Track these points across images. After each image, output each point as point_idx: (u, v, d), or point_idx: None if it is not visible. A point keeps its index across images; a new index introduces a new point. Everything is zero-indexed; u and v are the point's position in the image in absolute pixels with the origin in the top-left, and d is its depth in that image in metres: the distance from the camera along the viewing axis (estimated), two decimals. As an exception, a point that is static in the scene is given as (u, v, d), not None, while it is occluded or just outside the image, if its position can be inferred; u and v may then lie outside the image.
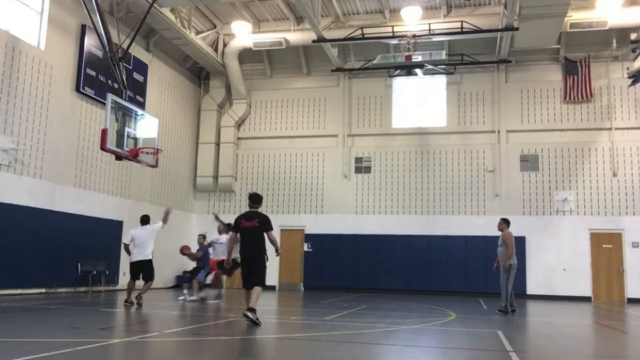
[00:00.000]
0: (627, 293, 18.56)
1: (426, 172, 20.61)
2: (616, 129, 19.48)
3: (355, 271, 20.28)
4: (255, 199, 9.07)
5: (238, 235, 9.01)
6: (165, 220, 12.60)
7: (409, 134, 21.01)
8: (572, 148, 19.74)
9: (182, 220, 20.55)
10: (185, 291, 13.94)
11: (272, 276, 21.09)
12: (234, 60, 21.17)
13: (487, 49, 20.11)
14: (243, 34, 20.26)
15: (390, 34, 18.70)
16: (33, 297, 13.58)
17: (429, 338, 8.12)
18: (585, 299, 18.55)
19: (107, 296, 14.81)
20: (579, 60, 19.70)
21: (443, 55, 18.34)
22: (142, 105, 17.79)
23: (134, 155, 13.65)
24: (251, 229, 8.75)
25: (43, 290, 14.68)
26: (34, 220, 14.24)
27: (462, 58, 20.10)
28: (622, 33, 18.86)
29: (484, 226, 18.99)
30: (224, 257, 13.22)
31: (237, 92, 22.02)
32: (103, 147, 12.87)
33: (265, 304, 14.24)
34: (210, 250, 14.02)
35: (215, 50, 21.13)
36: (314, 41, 18.96)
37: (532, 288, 18.92)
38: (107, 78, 16.69)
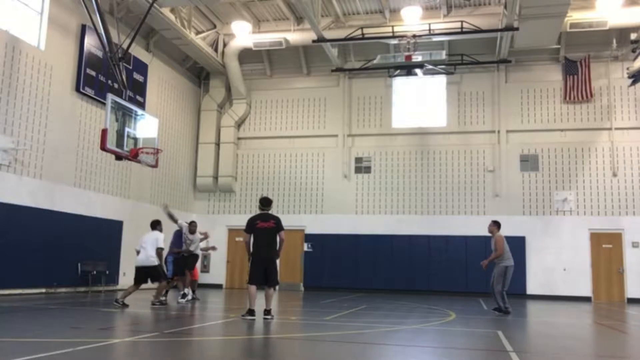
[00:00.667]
0: (627, 293, 18.56)
1: (426, 172, 20.61)
2: (616, 129, 19.48)
3: (355, 271, 20.28)
4: (266, 202, 9.70)
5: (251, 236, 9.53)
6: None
7: (409, 134, 21.01)
8: (572, 148, 19.74)
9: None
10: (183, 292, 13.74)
11: (272, 276, 21.11)
12: (234, 60, 21.17)
13: (487, 49, 20.12)
14: (243, 34, 20.26)
15: (390, 34, 18.71)
16: (33, 297, 13.58)
17: (429, 338, 8.12)
18: (585, 299, 18.55)
19: (107, 296, 14.80)
20: (579, 60, 19.70)
21: (443, 55, 18.35)
22: (142, 105, 17.79)
23: (134, 155, 13.66)
24: (268, 229, 9.34)
25: (43, 290, 14.68)
26: (34, 220, 14.24)
27: (462, 58, 20.11)
28: (622, 33, 18.86)
29: (484, 226, 18.78)
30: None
31: (237, 92, 22.02)
32: (103, 147, 12.88)
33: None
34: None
35: (215, 50, 21.14)
36: (314, 41, 18.96)
37: (532, 288, 18.93)
38: (107, 78, 16.69)
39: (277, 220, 9.50)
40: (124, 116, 13.59)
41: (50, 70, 15.16)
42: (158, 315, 10.44)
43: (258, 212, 9.88)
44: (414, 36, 18.28)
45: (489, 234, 12.37)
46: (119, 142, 13.33)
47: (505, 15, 17.34)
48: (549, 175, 19.76)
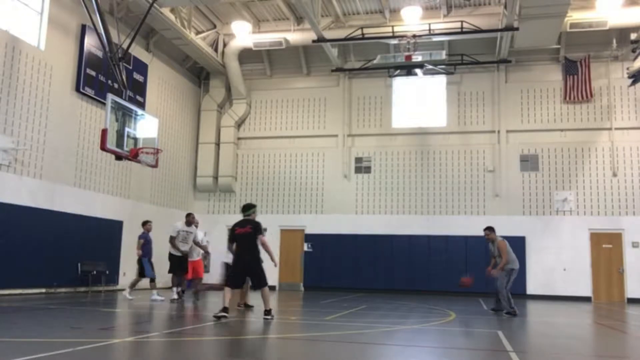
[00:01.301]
0: (627, 293, 18.56)
1: (426, 172, 20.61)
2: (616, 129, 19.48)
3: (355, 271, 20.27)
4: (245, 208, 9.90)
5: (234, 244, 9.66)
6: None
7: (409, 134, 21.01)
8: (572, 148, 19.74)
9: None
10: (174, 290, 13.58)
11: (272, 276, 21.06)
12: (234, 60, 21.17)
13: (487, 49, 20.12)
14: (243, 34, 20.26)
15: (390, 34, 18.71)
16: (33, 297, 13.57)
17: (429, 338, 8.12)
18: (585, 299, 18.55)
19: (107, 296, 14.81)
20: (579, 60, 19.69)
21: (443, 55, 18.35)
22: (142, 105, 17.79)
23: (134, 155, 13.66)
24: (245, 234, 9.43)
25: (43, 290, 14.68)
26: (34, 220, 14.24)
27: (462, 58, 20.11)
28: (622, 33, 18.86)
29: (484, 226, 18.94)
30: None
31: (237, 92, 22.02)
32: (103, 147, 12.88)
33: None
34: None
35: (215, 50, 21.13)
36: (314, 41, 18.96)
37: (532, 288, 18.92)
38: (107, 78, 16.69)
39: (254, 225, 9.55)
40: (124, 116, 13.59)
41: (50, 70, 15.16)
42: (158, 315, 10.44)
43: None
44: (414, 36, 18.28)
45: (488, 240, 12.21)
46: (119, 142, 13.33)
47: (505, 15, 17.34)
48: (549, 175, 19.76)
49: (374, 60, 19.11)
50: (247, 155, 22.32)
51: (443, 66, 19.51)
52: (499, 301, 11.83)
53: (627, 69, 18.03)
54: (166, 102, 20.43)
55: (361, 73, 21.50)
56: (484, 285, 18.35)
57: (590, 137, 19.66)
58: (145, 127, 14.44)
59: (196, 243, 13.79)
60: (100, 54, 16.12)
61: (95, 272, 15.88)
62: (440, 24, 18.69)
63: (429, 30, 18.32)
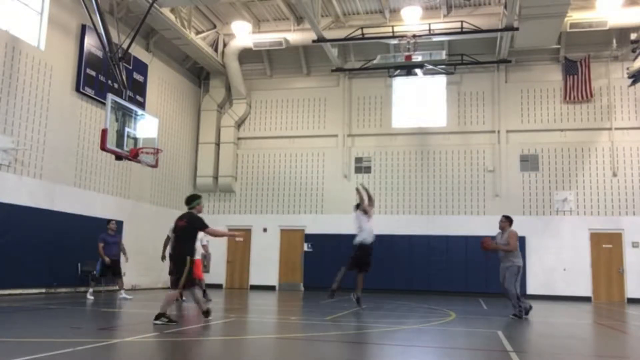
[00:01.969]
0: (627, 293, 18.56)
1: (426, 172, 20.61)
2: (616, 129, 19.48)
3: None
4: (187, 200, 9.08)
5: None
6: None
7: (409, 134, 21.01)
8: (572, 148, 19.74)
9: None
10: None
11: (272, 276, 21.13)
12: (234, 60, 21.17)
13: (487, 49, 20.12)
14: (243, 34, 20.26)
15: (390, 34, 18.71)
16: (33, 297, 13.58)
17: (429, 338, 8.12)
18: (585, 299, 18.54)
19: (107, 296, 14.81)
20: (579, 60, 19.69)
21: (443, 55, 18.36)
22: (142, 105, 17.79)
23: (134, 155, 13.65)
24: (180, 228, 8.70)
25: (43, 290, 14.68)
26: (34, 220, 14.24)
27: (462, 58, 20.11)
28: (622, 33, 18.86)
29: (484, 226, 18.97)
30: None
31: (237, 92, 22.02)
32: (103, 147, 12.87)
33: (266, 304, 14.26)
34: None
35: (215, 50, 21.13)
36: (314, 41, 18.96)
37: (532, 288, 18.91)
38: (107, 78, 16.69)
39: (189, 219, 8.71)
40: (124, 116, 13.59)
41: (50, 70, 15.16)
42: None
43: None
44: (414, 36, 18.28)
45: (500, 230, 11.37)
46: (119, 142, 13.32)
47: (505, 15, 17.34)
48: (549, 175, 19.76)
49: (374, 60, 19.12)
50: (247, 155, 22.32)
51: (443, 66, 19.50)
52: (516, 303, 10.99)
53: (627, 69, 18.04)
54: (166, 102, 20.43)
55: (361, 73, 21.50)
56: (483, 286, 18.44)
57: (590, 137, 19.66)
58: (145, 127, 14.44)
59: (203, 245, 13.51)
60: (100, 54, 16.12)
61: (95, 272, 15.86)
62: (440, 24, 18.69)
63: (429, 30, 18.32)
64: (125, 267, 17.75)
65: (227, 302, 14.68)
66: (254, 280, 21.28)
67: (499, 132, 20.32)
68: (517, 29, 17.10)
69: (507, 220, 11.44)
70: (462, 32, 18.27)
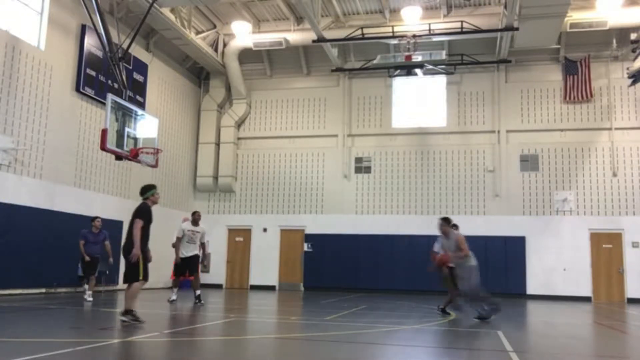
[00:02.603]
0: (627, 293, 18.56)
1: (426, 172, 20.61)
2: (616, 129, 19.48)
3: (355, 271, 20.27)
4: (140, 191, 8.72)
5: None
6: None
7: (409, 134, 21.01)
8: (572, 148, 19.74)
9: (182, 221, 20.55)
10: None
11: (272, 276, 21.13)
12: (234, 60, 21.17)
13: (487, 49, 20.12)
14: (243, 34, 20.27)
15: (390, 34, 18.71)
16: (33, 297, 13.58)
17: (429, 338, 8.12)
18: (585, 299, 18.54)
19: (107, 296, 14.81)
20: (579, 60, 19.69)
21: (443, 55, 18.36)
22: (142, 105, 17.79)
23: (134, 155, 13.65)
24: (131, 219, 8.29)
25: (43, 290, 14.68)
26: (34, 220, 14.24)
27: (462, 58, 20.11)
28: (622, 33, 18.86)
29: (484, 226, 19.01)
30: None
31: (237, 92, 22.02)
32: (103, 147, 12.87)
33: (266, 304, 14.26)
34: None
35: (215, 50, 21.14)
36: (314, 41, 18.96)
37: (532, 288, 18.92)
38: (107, 78, 16.69)
39: (136, 209, 8.36)
40: (124, 116, 13.58)
41: (50, 70, 15.16)
42: (158, 315, 10.44)
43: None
44: (414, 36, 18.28)
45: (442, 234, 10.77)
46: (119, 142, 13.32)
47: (505, 15, 17.34)
48: (549, 175, 19.76)
49: (374, 60, 19.12)
50: (247, 155, 22.32)
51: (443, 66, 19.50)
52: (483, 306, 10.45)
53: (627, 69, 18.04)
54: (166, 102, 20.43)
55: (361, 73, 21.50)
56: (483, 285, 18.39)
57: (590, 137, 19.66)
58: (145, 127, 14.43)
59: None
60: (100, 54, 16.12)
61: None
62: (440, 24, 18.69)
63: (429, 30, 18.32)
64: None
65: (227, 302, 14.68)
66: (254, 280, 21.28)
67: (499, 132, 20.32)
68: (517, 29, 17.10)
69: (447, 224, 10.74)
70: (462, 32, 18.27)
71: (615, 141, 19.40)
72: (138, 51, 18.00)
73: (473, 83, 20.82)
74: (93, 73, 16.48)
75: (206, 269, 21.62)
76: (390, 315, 11.19)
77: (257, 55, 21.78)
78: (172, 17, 17.76)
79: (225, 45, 21.24)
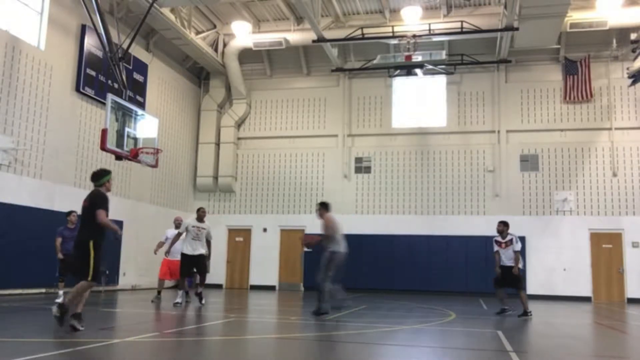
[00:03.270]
0: (627, 293, 18.56)
1: (426, 172, 20.61)
2: (616, 129, 19.48)
3: (355, 271, 20.22)
4: (93, 176, 7.68)
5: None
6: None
7: (409, 134, 21.01)
8: (572, 148, 19.74)
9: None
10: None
11: (272, 276, 21.13)
12: (234, 60, 21.17)
13: (487, 49, 20.12)
14: (243, 34, 20.27)
15: (390, 34, 18.71)
16: (33, 297, 13.57)
17: (429, 338, 8.12)
18: (585, 299, 18.54)
19: (107, 296, 14.81)
20: (579, 60, 19.69)
21: (443, 55, 18.35)
22: (142, 105, 17.79)
23: (134, 155, 13.66)
24: (83, 208, 7.46)
25: (43, 290, 14.67)
26: (34, 220, 14.23)
27: (462, 58, 20.11)
28: (622, 33, 18.86)
29: (484, 226, 18.97)
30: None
31: (237, 92, 22.02)
32: (103, 147, 12.88)
33: (266, 304, 14.26)
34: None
35: (215, 50, 21.14)
36: (314, 41, 18.96)
37: (532, 288, 18.90)
38: (107, 78, 16.69)
39: (93, 198, 7.41)
40: (124, 116, 13.59)
41: (50, 70, 15.16)
42: (158, 315, 10.44)
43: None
44: (414, 36, 18.28)
45: (320, 218, 10.60)
46: (119, 142, 13.33)
47: (505, 15, 17.34)
48: (549, 175, 19.76)
49: (374, 60, 19.12)
50: (247, 155, 22.31)
51: (443, 66, 19.50)
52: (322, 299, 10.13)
53: (627, 69, 18.04)
54: (166, 102, 20.43)
55: (361, 73, 21.50)
56: (483, 286, 18.41)
57: (590, 137, 19.66)
58: (145, 127, 14.44)
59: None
60: (100, 54, 16.12)
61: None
62: (440, 24, 18.69)
63: (429, 30, 18.32)
64: (126, 267, 17.78)
65: (227, 302, 14.68)
66: (253, 280, 21.28)
67: (499, 132, 20.32)
68: (517, 29, 17.09)
69: (322, 208, 10.84)
70: (462, 32, 18.27)
71: (615, 141, 19.40)
72: (138, 51, 18.00)
73: (473, 83, 20.82)
74: (93, 73, 16.48)
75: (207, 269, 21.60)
76: (390, 315, 11.19)
77: (257, 55, 21.77)
78: (172, 17, 17.76)
79: (225, 45, 21.24)
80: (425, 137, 20.84)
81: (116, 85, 15.09)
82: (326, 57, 20.50)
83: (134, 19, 16.51)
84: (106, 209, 7.38)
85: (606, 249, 18.96)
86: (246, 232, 21.69)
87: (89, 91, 16.32)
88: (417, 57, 18.02)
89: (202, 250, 11.98)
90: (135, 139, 13.96)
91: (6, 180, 13.64)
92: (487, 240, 18.23)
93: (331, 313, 10.20)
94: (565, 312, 13.66)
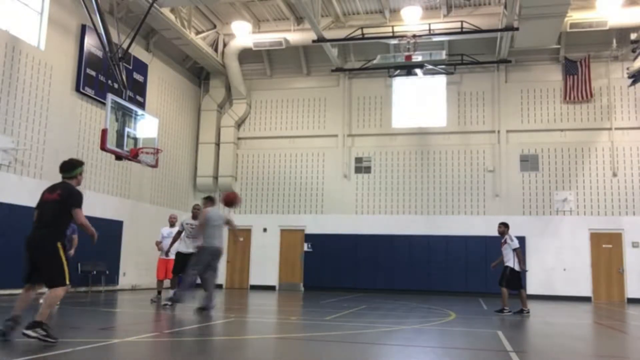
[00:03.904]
0: (627, 293, 18.56)
1: (426, 172, 20.61)
2: (616, 129, 19.48)
3: (355, 271, 20.27)
4: (63, 166, 6.62)
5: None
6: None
7: (409, 134, 21.01)
8: (572, 148, 19.74)
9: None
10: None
11: (272, 276, 21.14)
12: (234, 60, 21.17)
13: (487, 49, 20.12)
14: (243, 34, 20.27)
15: (390, 34, 18.71)
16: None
17: (429, 338, 8.12)
18: (585, 299, 18.55)
19: (107, 296, 14.81)
20: (579, 60, 19.70)
21: (443, 55, 18.36)
22: (142, 105, 17.80)
23: (134, 155, 13.67)
24: (49, 202, 6.38)
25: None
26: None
27: (462, 58, 20.11)
28: (622, 33, 18.86)
29: (484, 226, 18.99)
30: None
31: (237, 92, 22.02)
32: (103, 147, 12.89)
33: (266, 304, 14.26)
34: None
35: (215, 50, 21.14)
36: (314, 41, 18.96)
37: (532, 288, 18.89)
38: (107, 78, 16.70)
39: (65, 192, 6.38)
40: (124, 116, 13.60)
41: (50, 70, 15.17)
42: (158, 315, 10.44)
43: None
44: (414, 36, 18.28)
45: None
46: (119, 142, 13.34)
47: (505, 15, 17.34)
48: (549, 175, 19.76)
49: (374, 60, 19.12)
50: (247, 155, 22.32)
51: (443, 66, 19.52)
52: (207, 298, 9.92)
53: (627, 69, 18.04)
54: (166, 102, 20.43)
55: (361, 73, 21.51)
56: (483, 286, 18.44)
57: (590, 137, 19.66)
58: (145, 127, 14.45)
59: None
60: (100, 54, 16.13)
61: (95, 272, 15.87)
62: (440, 24, 18.69)
63: (429, 30, 18.33)
64: (125, 267, 17.77)
65: (227, 302, 14.68)
66: (254, 280, 21.28)
67: (499, 132, 20.32)
68: (517, 29, 17.10)
69: (206, 201, 10.48)
70: (462, 32, 18.27)
71: (615, 141, 19.40)
72: (138, 51, 18.01)
73: (473, 83, 20.82)
74: (93, 73, 16.48)
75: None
76: (390, 315, 11.19)
77: (257, 55, 21.77)
78: (172, 17, 17.77)
79: (225, 45, 21.24)
80: (425, 137, 20.85)
81: (116, 85, 15.09)
82: (326, 57, 20.51)
83: (134, 19, 16.51)
84: (80, 205, 6.43)
85: (606, 249, 18.96)
86: (246, 232, 21.69)
87: (89, 91, 16.33)
88: (417, 57, 18.03)
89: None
90: (135, 139, 13.98)
91: (6, 180, 13.65)
92: (487, 240, 18.34)
93: (168, 302, 10.38)
94: (565, 312, 13.66)
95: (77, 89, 16.03)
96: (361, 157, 21.33)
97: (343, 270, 20.25)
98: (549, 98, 20.21)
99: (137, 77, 18.32)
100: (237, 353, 6.48)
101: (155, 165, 14.70)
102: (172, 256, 12.42)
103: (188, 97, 22.02)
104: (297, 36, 19.84)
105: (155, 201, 19.65)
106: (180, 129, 21.33)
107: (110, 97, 13.17)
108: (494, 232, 12.73)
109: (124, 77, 14.28)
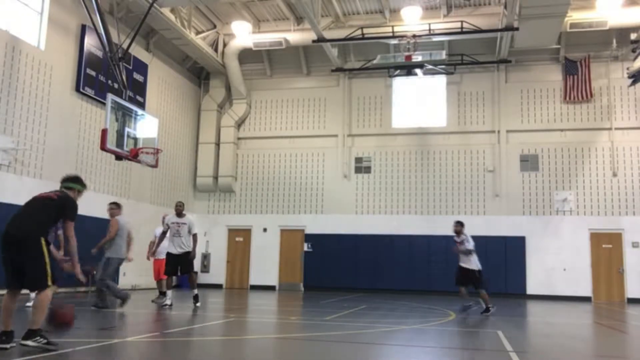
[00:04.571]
0: (627, 293, 18.55)
1: (426, 172, 20.61)
2: (616, 129, 19.47)
3: (355, 271, 20.27)
4: (70, 178, 6.68)
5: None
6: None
7: (409, 134, 21.01)
8: (572, 148, 19.74)
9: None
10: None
11: (272, 276, 21.13)
12: (234, 60, 21.17)
13: (487, 49, 20.12)
14: (243, 34, 20.27)
15: (390, 34, 18.71)
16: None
17: (429, 338, 8.12)
18: (585, 299, 18.54)
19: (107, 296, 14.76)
20: (579, 60, 19.69)
21: (443, 55, 18.36)
22: (142, 105, 17.79)
23: (134, 155, 13.66)
24: (42, 199, 6.22)
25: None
26: (34, 220, 14.20)
27: (462, 58, 20.10)
28: (622, 33, 18.85)
29: (484, 226, 18.99)
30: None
31: (237, 92, 22.02)
32: (103, 147, 12.88)
33: (266, 304, 14.26)
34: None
35: (215, 50, 21.14)
36: (314, 41, 18.96)
37: (532, 288, 18.92)
38: (107, 78, 16.69)
39: (64, 201, 6.42)
40: (124, 116, 13.59)
41: (50, 70, 15.16)
42: (158, 315, 10.44)
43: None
44: (414, 36, 18.28)
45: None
46: (119, 142, 13.33)
47: (505, 15, 17.34)
48: (549, 175, 19.76)
49: (374, 60, 19.11)
50: (247, 155, 22.31)
51: (443, 66, 19.50)
52: (101, 295, 10.48)
53: (627, 69, 18.04)
54: (166, 102, 20.43)
55: (361, 73, 21.50)
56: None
57: (590, 137, 19.66)
58: (145, 127, 14.44)
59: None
60: (100, 54, 16.12)
61: (95, 272, 15.81)
62: (440, 24, 18.69)
63: (429, 30, 18.32)
64: (125, 266, 17.73)
65: (227, 302, 14.68)
66: (253, 280, 21.28)
67: (499, 132, 20.32)
68: (517, 29, 17.09)
69: (116, 207, 11.19)
70: (462, 32, 18.27)
71: (615, 141, 19.40)
72: (138, 51, 18.00)
73: (473, 83, 20.81)
74: (93, 73, 16.48)
75: (206, 269, 21.64)
76: (390, 315, 11.19)
77: (257, 55, 21.77)
78: (172, 17, 17.77)
79: (225, 45, 21.24)
80: (425, 137, 20.84)
81: (116, 85, 15.09)
82: (326, 57, 20.50)
83: (134, 19, 16.51)
84: (74, 221, 6.36)
85: (606, 249, 18.96)
86: (246, 232, 21.69)
87: (89, 91, 16.32)
88: (417, 57, 18.02)
89: (186, 248, 11.42)
90: (135, 139, 13.97)
91: (6, 180, 13.64)
92: (487, 240, 18.30)
93: (117, 303, 10.55)
94: (565, 312, 13.66)
95: (77, 89, 16.02)
96: (361, 157, 21.33)
97: (343, 270, 20.25)
98: (549, 98, 20.21)
99: (137, 77, 18.31)
100: (237, 353, 6.48)
101: (155, 165, 14.70)
102: (162, 256, 12.38)
103: (188, 97, 22.01)
104: (297, 36, 19.83)
105: (155, 201, 19.64)
106: (180, 129, 21.33)
107: (110, 97, 13.17)
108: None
109: (124, 77, 14.28)
